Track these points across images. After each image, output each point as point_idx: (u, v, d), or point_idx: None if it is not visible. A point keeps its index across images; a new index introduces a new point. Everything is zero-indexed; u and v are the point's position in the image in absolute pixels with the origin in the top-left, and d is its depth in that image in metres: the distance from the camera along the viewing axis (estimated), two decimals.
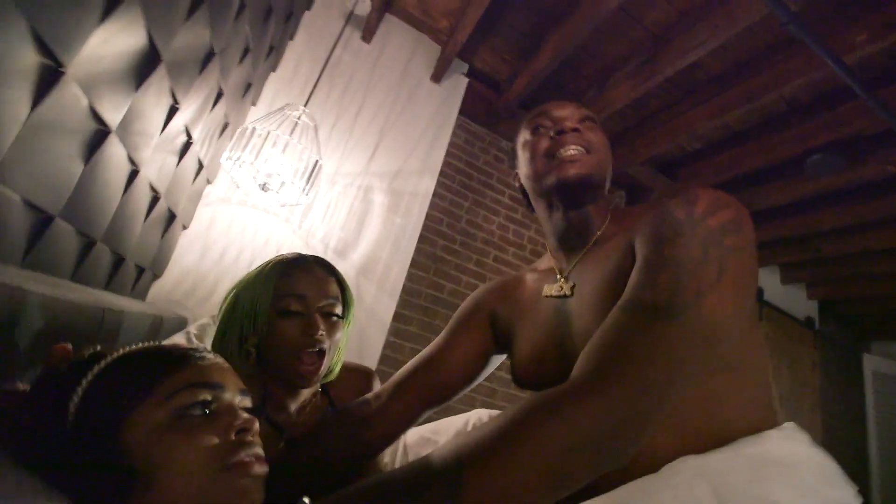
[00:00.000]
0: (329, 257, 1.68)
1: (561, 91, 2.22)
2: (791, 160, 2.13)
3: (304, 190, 1.32)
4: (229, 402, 0.40)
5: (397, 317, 1.87)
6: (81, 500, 0.31)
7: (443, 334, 0.78)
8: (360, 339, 1.63)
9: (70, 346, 0.40)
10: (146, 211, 1.03)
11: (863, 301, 3.26)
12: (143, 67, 0.77)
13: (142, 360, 0.40)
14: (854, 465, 3.11)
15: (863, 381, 3.34)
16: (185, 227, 1.39)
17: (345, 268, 1.70)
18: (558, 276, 0.68)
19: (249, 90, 1.46)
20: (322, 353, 0.69)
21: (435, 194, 2.01)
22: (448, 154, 2.11)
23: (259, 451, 0.39)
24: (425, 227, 1.98)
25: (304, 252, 1.63)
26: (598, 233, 0.65)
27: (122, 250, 0.96)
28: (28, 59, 0.53)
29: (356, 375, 0.83)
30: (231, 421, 0.38)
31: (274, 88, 1.66)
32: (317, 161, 1.33)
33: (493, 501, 0.38)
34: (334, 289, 0.75)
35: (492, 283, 0.82)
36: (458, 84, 2.14)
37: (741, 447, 0.47)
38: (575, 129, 0.65)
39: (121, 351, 0.40)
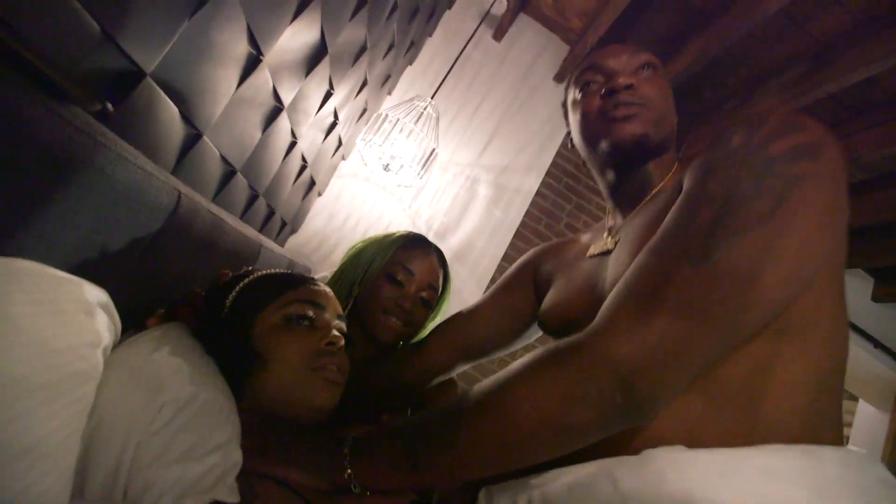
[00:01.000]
0: (430, 237, 1.82)
1: (696, 99, 2.06)
2: None
3: (418, 174, 1.46)
4: (327, 321, 0.53)
5: None
6: (223, 366, 0.44)
7: (487, 293, 0.79)
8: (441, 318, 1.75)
9: (230, 273, 0.56)
10: (295, 176, 1.25)
11: None
12: (313, 58, 0.94)
13: (272, 278, 0.54)
14: None
15: None
16: (320, 194, 1.63)
17: (442, 249, 1.83)
18: (606, 234, 0.63)
19: (388, 81, 1.64)
20: (405, 326, 0.78)
21: (538, 193, 2.04)
22: (558, 154, 2.11)
23: (341, 362, 0.50)
24: (523, 224, 2.02)
25: (410, 228, 1.79)
26: (658, 187, 0.57)
27: (274, 205, 1.18)
28: (241, 48, 0.70)
29: None
30: (325, 334, 0.50)
31: (408, 80, 1.84)
32: (433, 149, 1.46)
33: (487, 446, 0.38)
34: (437, 279, 0.83)
35: (542, 245, 0.79)
36: None
37: (763, 454, 0.36)
38: (629, 86, 0.55)
39: (263, 271, 0.55)
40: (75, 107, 0.35)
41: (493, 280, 1.92)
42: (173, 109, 0.60)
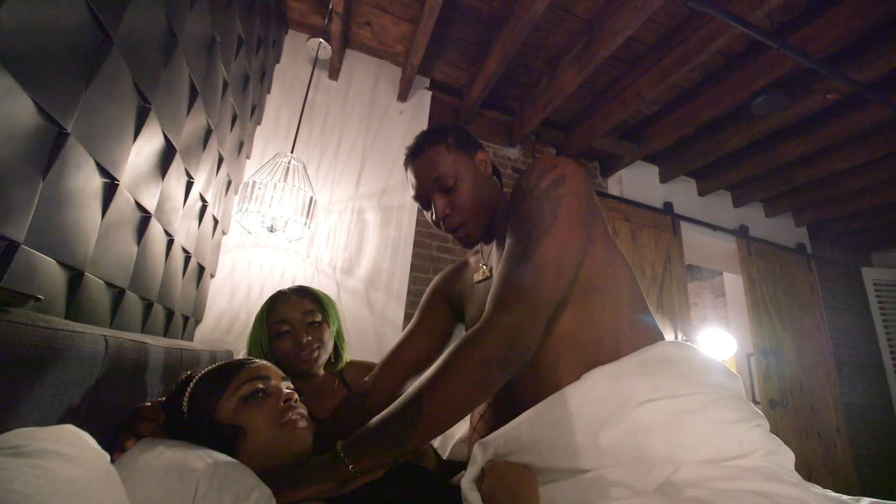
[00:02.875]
0: (338, 277, 1.90)
1: (516, 85, 2.41)
2: (740, 105, 2.29)
3: (305, 224, 1.53)
4: (276, 386, 0.64)
5: (407, 317, 2.08)
6: (212, 448, 0.53)
7: (413, 319, 0.99)
8: (378, 341, 1.85)
9: (182, 376, 0.64)
10: (182, 269, 1.25)
11: (850, 218, 3.38)
12: (164, 160, 0.98)
13: (216, 370, 0.63)
14: (870, 371, 3.25)
15: (865, 294, 3.47)
16: (212, 276, 1.61)
17: (353, 283, 1.92)
18: (482, 265, 0.86)
19: (243, 148, 1.68)
20: (316, 348, 1.00)
21: None
22: None
23: (303, 411, 0.63)
24: (417, 233, 2.18)
25: (316, 276, 1.84)
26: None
27: (171, 305, 1.18)
28: (96, 183, 0.74)
29: (366, 367, 1.13)
30: (279, 397, 0.62)
31: (263, 139, 1.87)
32: (311, 197, 1.54)
33: (442, 408, 0.56)
34: (309, 304, 1.04)
35: (443, 271, 1.02)
36: (423, 98, 2.34)
37: (634, 355, 0.62)
38: (444, 217, 0.78)
39: (202, 370, 0.63)
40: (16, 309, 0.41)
41: (409, 292, 2.05)
42: (50, 262, 0.63)
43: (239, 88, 1.47)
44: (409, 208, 2.13)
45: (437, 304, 0.97)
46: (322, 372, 1.06)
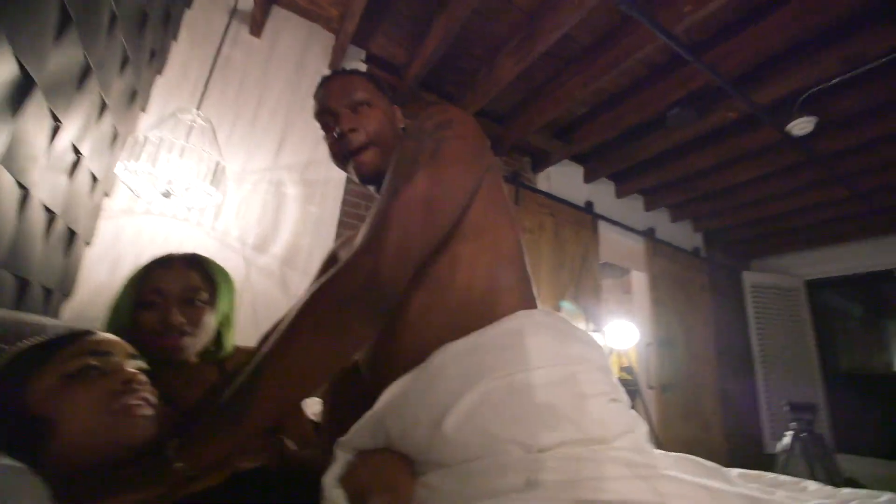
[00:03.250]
0: (248, 253, 1.73)
1: (455, 70, 2.37)
2: (658, 114, 2.46)
3: (209, 193, 1.36)
4: (117, 363, 0.52)
5: None
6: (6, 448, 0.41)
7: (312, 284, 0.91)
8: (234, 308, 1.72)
9: None
10: (44, 232, 1.04)
11: (738, 227, 3.84)
12: (18, 94, 0.79)
13: (41, 343, 0.51)
14: (742, 361, 3.74)
15: (744, 295, 3.97)
16: (87, 244, 1.38)
17: (267, 261, 1.76)
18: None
19: (136, 97, 1.44)
20: (187, 334, 0.79)
21: (350, 180, 2.10)
22: None
23: (147, 395, 0.51)
24: (344, 213, 2.07)
25: (221, 250, 1.67)
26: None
27: (25, 273, 0.98)
28: None
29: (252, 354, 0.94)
30: (116, 376, 0.50)
31: (164, 93, 1.63)
32: (218, 162, 1.38)
33: (288, 369, 0.47)
34: (196, 278, 0.85)
35: (341, 238, 0.99)
36: None
37: (488, 329, 0.54)
38: (353, 129, 0.72)
39: (24, 343, 0.50)
40: None
41: None
42: None
43: (133, 27, 1.25)
44: (335, 184, 2.01)
45: (329, 267, 0.93)
46: (195, 360, 0.85)
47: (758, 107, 2.17)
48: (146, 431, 0.49)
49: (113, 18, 1.11)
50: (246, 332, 1.14)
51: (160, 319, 0.78)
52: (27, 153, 0.88)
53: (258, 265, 1.74)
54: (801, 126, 2.24)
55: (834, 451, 2.83)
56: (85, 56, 1.00)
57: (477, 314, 0.57)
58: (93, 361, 0.49)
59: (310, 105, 2.06)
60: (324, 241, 1.93)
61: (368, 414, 0.54)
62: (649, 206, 3.54)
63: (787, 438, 2.56)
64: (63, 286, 1.23)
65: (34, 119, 0.88)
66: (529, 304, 0.63)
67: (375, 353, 0.65)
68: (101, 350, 0.51)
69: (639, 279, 3.57)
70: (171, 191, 1.32)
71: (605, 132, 2.62)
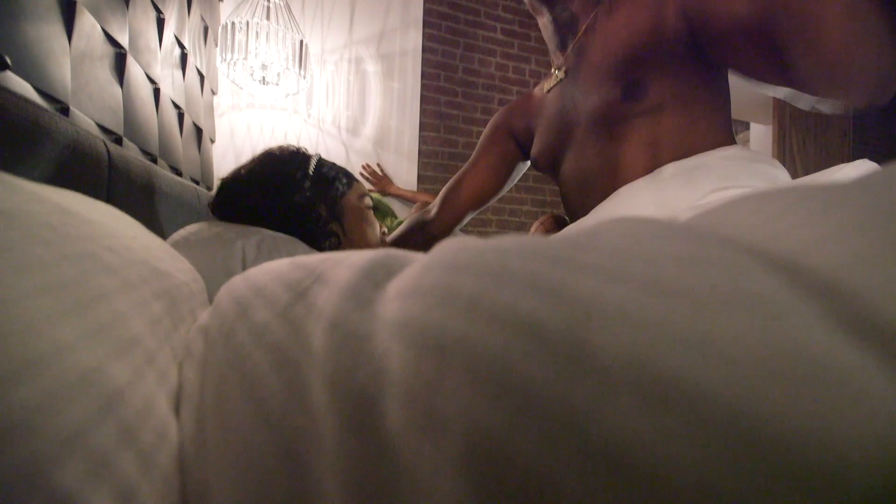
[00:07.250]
0: (344, 138, 1.79)
1: None
2: None
3: (300, 74, 1.37)
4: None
5: (421, 179, 2.02)
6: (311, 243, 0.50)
7: (472, 155, 0.93)
8: (393, 204, 1.82)
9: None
10: (178, 127, 1.15)
11: None
12: None
13: (337, 166, 0.59)
14: None
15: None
16: (212, 141, 1.51)
17: (362, 144, 1.81)
18: (554, 70, 0.76)
19: None
20: None
21: (425, 49, 1.97)
22: (427, 0, 1.98)
23: None
24: (424, 87, 1.98)
25: (321, 137, 1.73)
26: (586, 23, 0.69)
27: (176, 165, 1.11)
28: None
29: None
30: (381, 224, 0.61)
31: None
32: (301, 40, 1.35)
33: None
34: None
35: (506, 106, 0.93)
36: None
37: (713, 152, 0.59)
38: None
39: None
40: None
41: (420, 153, 1.95)
42: (26, 86, 0.54)
43: None
44: (412, 55, 1.90)
45: (499, 139, 0.89)
46: None
47: None
48: None
49: None
50: None
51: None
52: (145, 45, 0.93)
53: (355, 149, 1.80)
54: None
55: None
56: None
57: (700, 143, 0.61)
58: (372, 204, 0.59)
59: None
60: (410, 119, 1.90)
61: (594, 210, 0.61)
62: None
63: None
64: (205, 180, 1.39)
65: (142, 10, 0.91)
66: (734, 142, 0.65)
67: (603, 163, 0.67)
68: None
69: (761, 134, 3.07)
70: (266, 77, 1.35)
71: None
